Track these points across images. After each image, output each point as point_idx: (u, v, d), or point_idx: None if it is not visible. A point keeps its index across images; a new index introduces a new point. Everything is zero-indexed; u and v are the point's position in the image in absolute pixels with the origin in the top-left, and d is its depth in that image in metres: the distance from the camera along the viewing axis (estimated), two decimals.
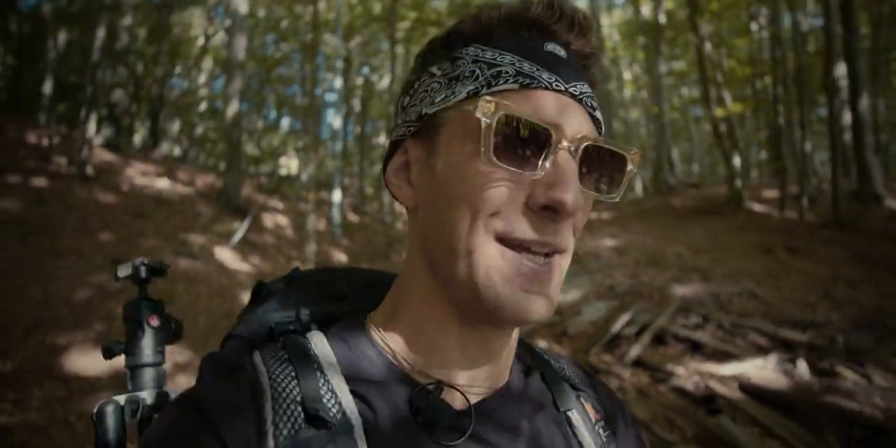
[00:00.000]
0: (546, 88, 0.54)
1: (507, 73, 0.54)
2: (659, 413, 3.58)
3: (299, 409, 0.52)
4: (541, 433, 0.60)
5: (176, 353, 4.66)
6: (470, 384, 0.59)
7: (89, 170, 9.15)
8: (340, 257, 11.87)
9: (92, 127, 9.33)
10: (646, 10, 16.56)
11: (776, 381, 3.77)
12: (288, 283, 0.73)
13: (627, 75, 25.49)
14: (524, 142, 0.52)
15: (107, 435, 0.71)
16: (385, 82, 25.67)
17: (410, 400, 0.56)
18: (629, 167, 0.58)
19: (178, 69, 21.60)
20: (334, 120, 13.72)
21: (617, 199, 0.60)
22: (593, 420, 0.66)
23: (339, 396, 0.54)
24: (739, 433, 3.19)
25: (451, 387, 0.58)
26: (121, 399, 0.74)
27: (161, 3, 16.72)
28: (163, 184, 10.75)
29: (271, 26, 25.66)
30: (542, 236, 0.53)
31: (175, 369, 4.38)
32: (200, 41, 21.43)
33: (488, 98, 0.52)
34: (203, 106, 19.57)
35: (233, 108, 11.01)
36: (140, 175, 10.97)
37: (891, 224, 8.20)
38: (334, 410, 0.52)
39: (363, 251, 13.19)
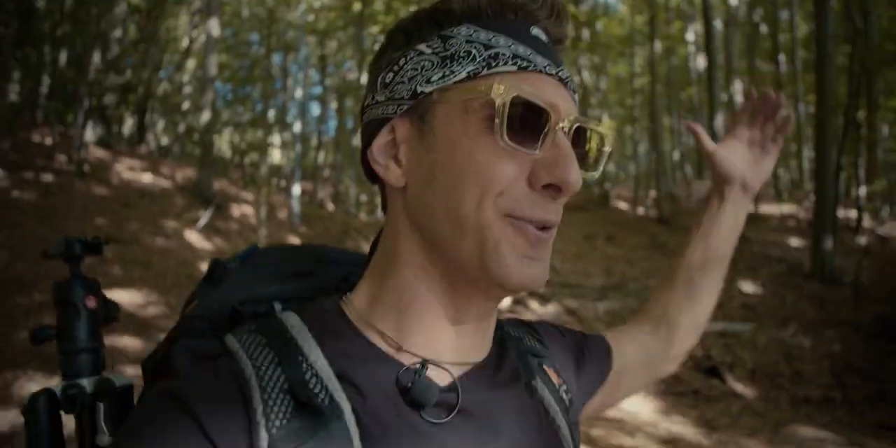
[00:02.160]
0: (541, 71, 0.57)
1: (504, 55, 0.56)
2: None
3: (288, 397, 0.51)
4: (519, 403, 0.63)
5: (147, 295, 7.25)
6: (454, 360, 0.60)
7: (86, 167, 11.61)
8: (295, 241, 14.40)
9: (89, 132, 11.79)
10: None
11: None
12: (244, 260, 0.73)
13: None
14: (527, 122, 0.55)
15: (39, 428, 0.66)
16: (363, 79, 27.97)
17: (397, 380, 0.57)
18: (607, 147, 0.62)
19: (163, 69, 23.85)
20: (295, 123, 16.09)
21: (596, 177, 0.64)
22: (556, 385, 0.70)
23: (325, 381, 0.54)
24: None
25: (435, 364, 0.59)
26: (57, 389, 0.68)
27: (149, 9, 18.92)
28: (147, 178, 13.18)
29: (254, 25, 27.91)
30: (543, 214, 0.56)
31: (145, 305, 6.95)
32: (185, 43, 23.69)
33: (500, 79, 0.55)
34: (187, 104, 21.86)
35: (205, 117, 13.46)
36: (127, 170, 13.37)
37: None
38: (322, 396, 0.52)
39: (318, 236, 15.71)
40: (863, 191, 10.89)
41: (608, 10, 19.23)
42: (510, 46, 0.57)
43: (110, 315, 0.76)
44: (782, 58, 12.58)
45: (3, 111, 10.37)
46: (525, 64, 0.56)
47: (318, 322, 0.60)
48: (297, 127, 16.36)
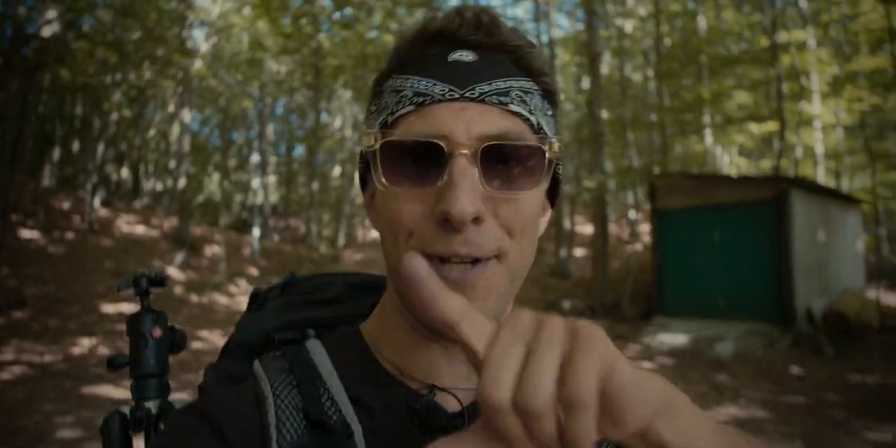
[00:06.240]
0: (439, 101, 0.58)
1: (406, 96, 0.59)
2: None
3: (300, 416, 0.57)
4: None
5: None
6: (461, 387, 0.63)
7: (95, 226, 16.83)
8: (253, 272, 19.44)
9: (97, 201, 17.04)
10: None
11: None
12: (282, 289, 0.80)
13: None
14: (419, 160, 0.57)
15: (113, 445, 0.76)
16: (337, 123, 32.98)
17: (406, 403, 0.60)
18: (547, 156, 0.59)
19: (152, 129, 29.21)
20: (254, 178, 21.20)
21: (535, 193, 0.60)
22: None
23: (339, 404, 0.59)
24: None
25: (444, 390, 0.62)
26: (126, 410, 0.78)
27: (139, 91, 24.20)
28: (140, 230, 18.35)
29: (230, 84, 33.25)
30: (453, 248, 0.55)
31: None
32: (171, 108, 29.01)
33: (370, 130, 0.59)
34: (173, 163, 27.16)
35: (181, 183, 18.71)
36: (126, 224, 18.55)
37: None
38: (335, 417, 0.57)
39: (274, 268, 20.74)
40: (632, 214, 15.74)
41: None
42: (413, 85, 0.59)
43: (178, 344, 0.84)
44: None
45: (40, 194, 15.68)
46: (422, 99, 0.58)
47: (337, 348, 0.66)
48: (256, 182, 21.56)
